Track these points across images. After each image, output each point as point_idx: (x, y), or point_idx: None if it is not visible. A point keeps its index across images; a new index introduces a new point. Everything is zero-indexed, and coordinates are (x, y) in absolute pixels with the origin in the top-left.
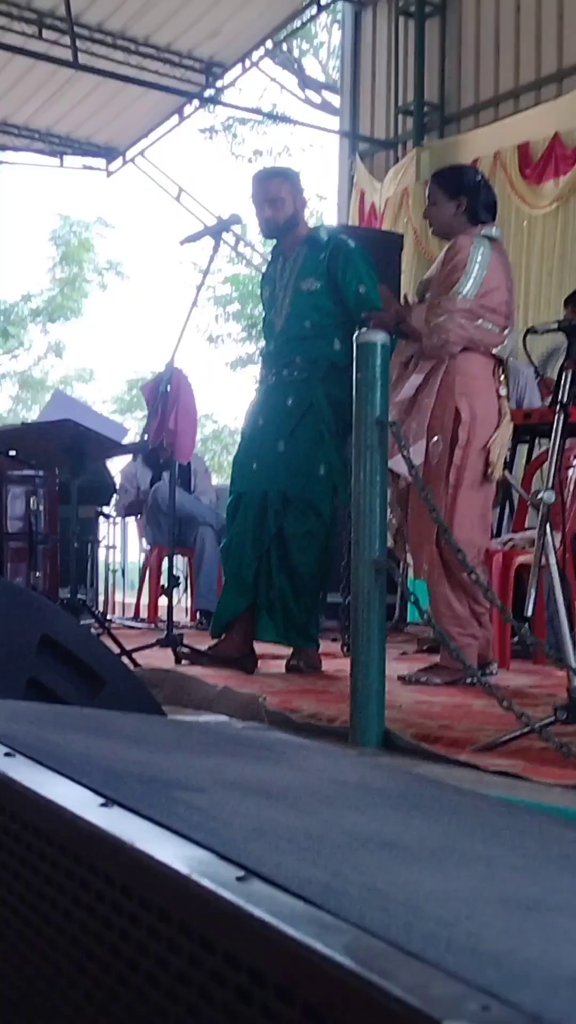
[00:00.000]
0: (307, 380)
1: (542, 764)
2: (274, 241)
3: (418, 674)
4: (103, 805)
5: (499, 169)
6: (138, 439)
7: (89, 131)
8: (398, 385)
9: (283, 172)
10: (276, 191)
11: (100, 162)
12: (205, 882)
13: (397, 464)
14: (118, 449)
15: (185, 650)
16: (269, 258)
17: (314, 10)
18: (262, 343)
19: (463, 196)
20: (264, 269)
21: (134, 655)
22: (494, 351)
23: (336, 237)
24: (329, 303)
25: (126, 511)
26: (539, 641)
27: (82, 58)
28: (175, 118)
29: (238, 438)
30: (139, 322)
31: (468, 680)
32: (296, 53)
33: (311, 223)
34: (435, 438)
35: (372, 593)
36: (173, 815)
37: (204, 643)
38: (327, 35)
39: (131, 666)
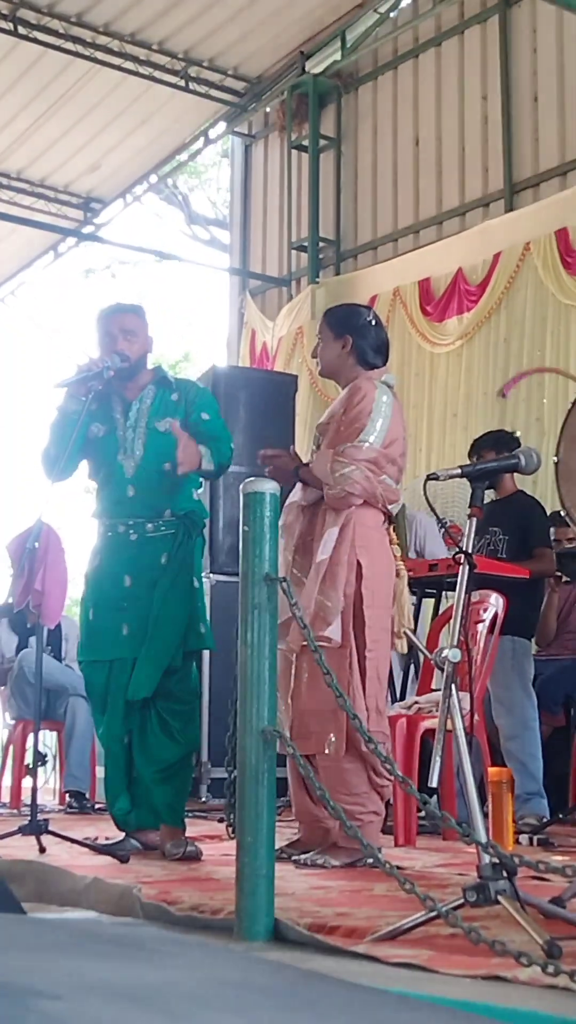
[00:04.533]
0: (176, 535)
1: (450, 952)
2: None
3: (313, 856)
4: None
5: (399, 306)
6: (2, 602)
7: None
8: (294, 528)
9: (136, 308)
10: (132, 324)
11: None
12: None
13: (335, 632)
14: None
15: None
16: (90, 393)
17: (201, 143)
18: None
19: (349, 336)
20: (76, 404)
21: None
22: (390, 507)
23: (184, 380)
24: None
25: None
26: (444, 815)
27: None
28: (50, 255)
29: None
30: (5, 472)
31: (368, 861)
32: (184, 187)
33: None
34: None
35: (260, 765)
36: None
37: (73, 830)
38: (216, 171)
39: None
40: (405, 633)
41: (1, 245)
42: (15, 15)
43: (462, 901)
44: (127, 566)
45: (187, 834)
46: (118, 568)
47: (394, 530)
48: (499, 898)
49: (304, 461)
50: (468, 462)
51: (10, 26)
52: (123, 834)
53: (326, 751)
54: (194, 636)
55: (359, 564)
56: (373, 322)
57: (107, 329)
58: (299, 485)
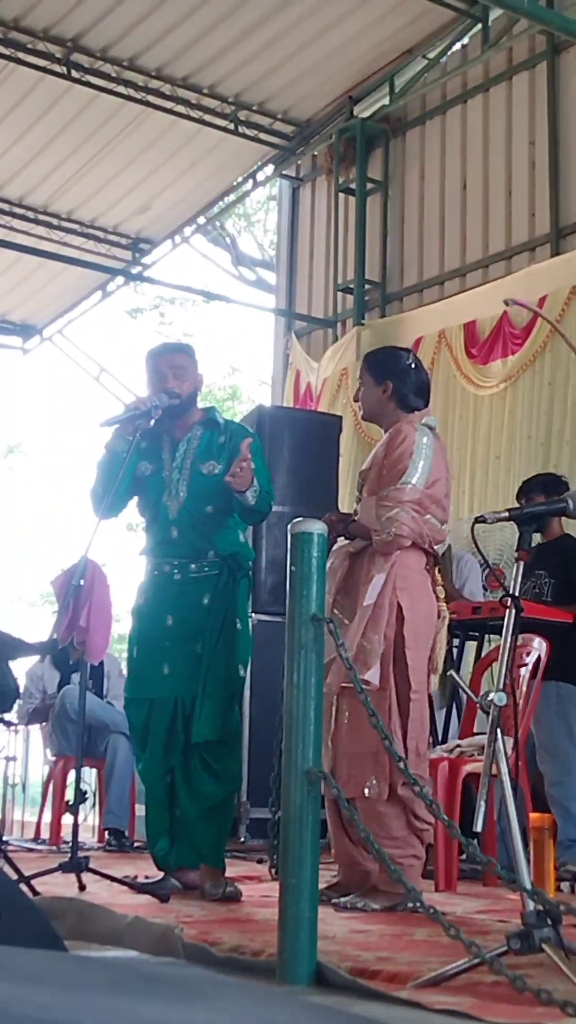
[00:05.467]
0: (219, 576)
1: (494, 1000)
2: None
3: (353, 899)
4: None
5: (444, 348)
6: (46, 638)
7: (5, 308)
8: (338, 571)
9: (185, 347)
10: (181, 361)
11: (16, 340)
12: None
13: (374, 676)
14: (24, 649)
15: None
16: (137, 432)
17: (249, 186)
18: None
19: (389, 381)
20: (124, 444)
21: (33, 882)
22: (436, 547)
23: (233, 423)
24: (228, 488)
25: (30, 718)
26: (490, 860)
27: (0, 233)
28: (98, 295)
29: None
30: (50, 509)
31: (409, 905)
32: (232, 229)
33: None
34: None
35: (304, 807)
36: None
37: (112, 868)
38: (264, 213)
39: (30, 894)
40: (451, 675)
41: (50, 284)
42: (69, 59)
43: (506, 948)
44: (169, 606)
45: (226, 875)
46: (161, 607)
47: (439, 571)
48: (543, 946)
49: (348, 512)
50: (513, 505)
51: (64, 69)
52: (162, 873)
53: (366, 794)
54: (236, 678)
55: (400, 606)
56: (413, 365)
57: (156, 367)
58: None
